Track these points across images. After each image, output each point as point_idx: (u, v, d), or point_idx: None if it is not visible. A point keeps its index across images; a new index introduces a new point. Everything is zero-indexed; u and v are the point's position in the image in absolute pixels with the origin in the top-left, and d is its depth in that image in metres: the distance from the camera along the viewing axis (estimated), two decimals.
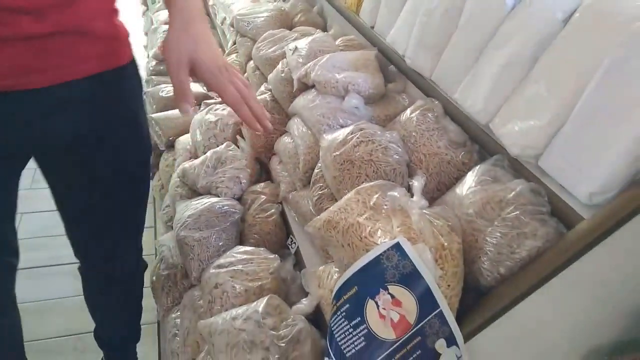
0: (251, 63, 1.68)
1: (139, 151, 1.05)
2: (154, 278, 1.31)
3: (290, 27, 1.73)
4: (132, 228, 1.15)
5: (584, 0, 0.77)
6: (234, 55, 1.88)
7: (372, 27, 1.36)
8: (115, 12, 0.91)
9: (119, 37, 0.92)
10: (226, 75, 0.86)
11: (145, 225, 1.48)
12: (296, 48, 1.35)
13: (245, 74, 1.70)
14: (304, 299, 0.91)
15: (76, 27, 0.81)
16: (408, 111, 1.03)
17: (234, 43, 1.94)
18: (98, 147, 0.95)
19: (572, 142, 0.72)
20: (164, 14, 2.94)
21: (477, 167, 0.83)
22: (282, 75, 1.36)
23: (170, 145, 1.79)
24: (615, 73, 0.67)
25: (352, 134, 0.98)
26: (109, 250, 1.13)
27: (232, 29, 1.99)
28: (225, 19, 2.20)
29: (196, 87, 2.08)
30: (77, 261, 1.19)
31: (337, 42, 1.40)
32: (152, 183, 1.84)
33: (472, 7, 0.95)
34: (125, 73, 0.95)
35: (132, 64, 0.98)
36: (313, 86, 1.23)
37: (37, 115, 0.84)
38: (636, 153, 0.65)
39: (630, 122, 0.65)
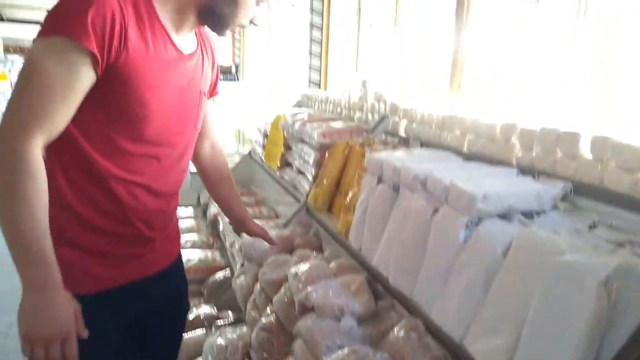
0: (257, 285, 1.87)
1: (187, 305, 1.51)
2: None
3: (291, 249, 1.97)
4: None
5: (514, 238, 0.99)
6: (242, 277, 2.08)
7: (360, 250, 1.59)
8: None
9: (178, 231, 1.40)
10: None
11: None
12: (296, 274, 1.55)
13: (252, 296, 1.87)
14: None
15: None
16: (395, 330, 1.18)
17: (242, 265, 2.17)
18: (174, 303, 1.40)
19: (528, 357, 0.85)
20: None
21: None
22: (286, 299, 1.53)
23: None
24: (545, 300, 0.85)
25: (347, 357, 1.11)
26: None
27: (240, 253, 2.24)
28: (234, 242, 2.47)
29: (208, 309, 2.24)
30: None
31: (331, 265, 1.61)
32: None
33: (433, 242, 1.17)
34: (180, 257, 1.42)
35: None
36: (313, 308, 1.40)
37: (155, 292, 1.25)
38: None
39: (566, 339, 0.80)
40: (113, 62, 0.93)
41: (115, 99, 0.99)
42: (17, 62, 12.22)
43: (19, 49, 16.21)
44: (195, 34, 1.19)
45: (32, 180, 0.88)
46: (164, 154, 1.14)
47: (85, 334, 0.98)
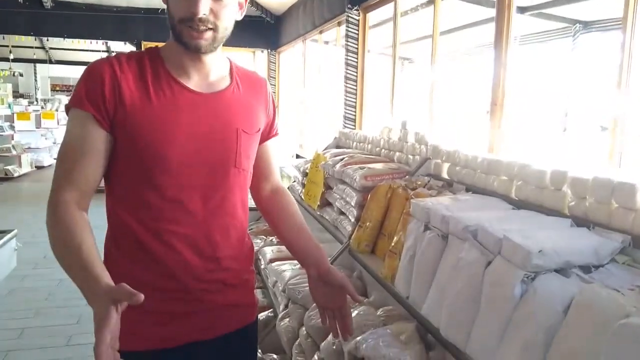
0: (303, 329, 1.88)
1: None
2: None
3: None
4: None
5: (575, 296, 0.97)
6: (286, 320, 2.10)
7: (407, 298, 1.58)
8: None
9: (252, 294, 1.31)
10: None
11: None
12: None
13: (298, 340, 1.88)
14: None
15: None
16: None
17: (286, 307, 2.18)
18: None
19: None
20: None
21: None
22: (334, 347, 1.53)
23: None
24: None
25: None
26: None
27: (283, 294, 2.26)
28: (276, 282, 2.49)
29: None
30: None
31: (379, 312, 1.61)
32: None
33: (488, 295, 1.16)
34: (252, 327, 1.32)
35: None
36: (363, 359, 1.39)
37: (220, 355, 1.20)
38: None
39: None
40: (114, 117, 1.06)
41: (128, 153, 1.08)
42: (64, 100, 12.85)
43: (64, 87, 17.11)
44: (231, 75, 1.20)
45: (60, 226, 0.99)
46: (195, 198, 1.12)
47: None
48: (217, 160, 1.14)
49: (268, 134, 1.32)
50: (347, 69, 4.31)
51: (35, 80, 15.80)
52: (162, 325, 1.14)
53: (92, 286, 0.87)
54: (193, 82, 1.13)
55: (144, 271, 1.11)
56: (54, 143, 11.13)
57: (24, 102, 12.26)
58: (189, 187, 1.11)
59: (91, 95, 1.05)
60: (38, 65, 15.05)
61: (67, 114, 1.09)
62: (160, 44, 1.16)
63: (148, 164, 1.08)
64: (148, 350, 1.12)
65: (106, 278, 0.89)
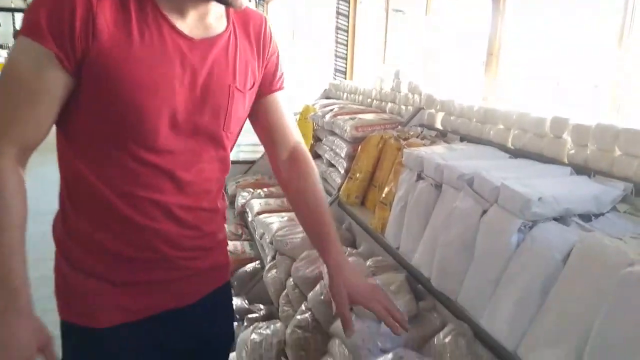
0: (290, 280, 1.85)
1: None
2: None
3: None
4: None
5: (575, 244, 0.93)
6: (274, 271, 2.06)
7: (398, 249, 1.54)
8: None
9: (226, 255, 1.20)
10: (373, 295, 1.05)
11: None
12: None
13: (285, 291, 1.85)
14: None
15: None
16: (441, 335, 1.14)
17: (273, 258, 2.15)
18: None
19: None
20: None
21: None
22: (322, 297, 1.50)
23: None
24: (616, 312, 0.79)
25: None
26: None
27: (271, 245, 2.22)
28: (264, 234, 2.45)
29: (239, 302, 2.23)
30: None
31: (368, 262, 1.57)
32: None
33: (482, 244, 1.12)
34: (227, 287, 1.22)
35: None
36: (351, 309, 1.36)
37: (198, 319, 1.09)
38: None
39: (633, 354, 0.75)
40: (83, 58, 0.82)
41: (97, 104, 0.87)
42: None
43: None
44: (228, 17, 0.99)
45: None
46: (176, 163, 0.96)
47: None
48: (203, 121, 0.96)
49: (270, 84, 1.10)
50: (338, 19, 4.14)
51: (14, 29, 15.20)
52: (136, 296, 1.00)
53: (17, 305, 0.81)
54: (186, 23, 0.91)
55: (114, 239, 0.96)
56: None
57: (3, 52, 11.83)
58: (170, 150, 0.94)
59: (55, 27, 0.80)
60: (17, 14, 14.43)
61: (14, 39, 0.84)
62: None
63: (123, 119, 0.88)
64: (123, 324, 0.99)
65: (27, 295, 0.82)
